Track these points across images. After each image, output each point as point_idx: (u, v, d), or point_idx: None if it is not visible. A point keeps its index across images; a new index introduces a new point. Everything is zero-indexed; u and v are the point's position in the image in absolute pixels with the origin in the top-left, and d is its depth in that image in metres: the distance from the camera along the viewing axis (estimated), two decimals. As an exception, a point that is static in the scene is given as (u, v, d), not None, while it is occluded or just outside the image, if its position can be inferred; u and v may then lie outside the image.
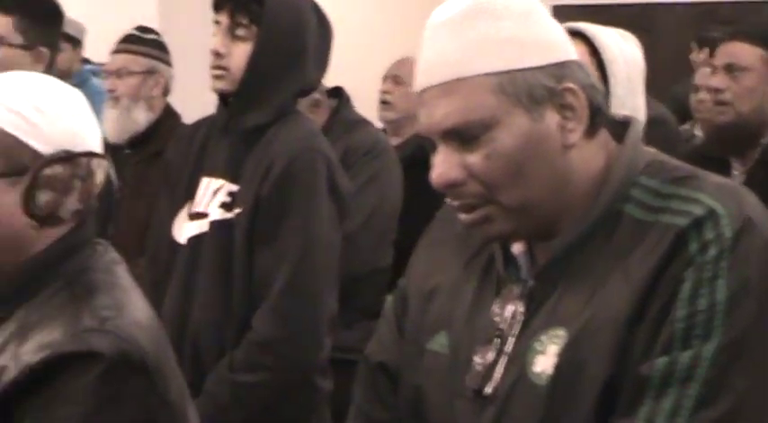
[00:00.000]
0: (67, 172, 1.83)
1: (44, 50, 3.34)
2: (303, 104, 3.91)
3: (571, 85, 1.68)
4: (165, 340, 1.87)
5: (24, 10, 3.32)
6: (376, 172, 3.93)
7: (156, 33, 4.22)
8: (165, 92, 4.18)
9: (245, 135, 2.96)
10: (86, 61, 6.00)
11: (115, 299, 1.81)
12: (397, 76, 4.92)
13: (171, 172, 3.13)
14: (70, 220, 1.85)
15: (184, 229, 2.99)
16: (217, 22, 2.98)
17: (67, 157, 1.83)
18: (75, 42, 5.33)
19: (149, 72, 4.13)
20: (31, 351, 1.73)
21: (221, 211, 2.93)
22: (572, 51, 1.72)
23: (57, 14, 3.46)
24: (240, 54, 2.94)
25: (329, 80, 4.16)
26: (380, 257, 3.86)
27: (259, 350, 2.83)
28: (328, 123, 4.01)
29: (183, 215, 3.01)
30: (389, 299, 3.54)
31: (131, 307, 1.83)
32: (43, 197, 1.81)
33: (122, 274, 1.89)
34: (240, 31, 2.94)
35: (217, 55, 2.96)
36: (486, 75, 1.66)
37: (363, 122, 4.14)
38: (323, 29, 3.06)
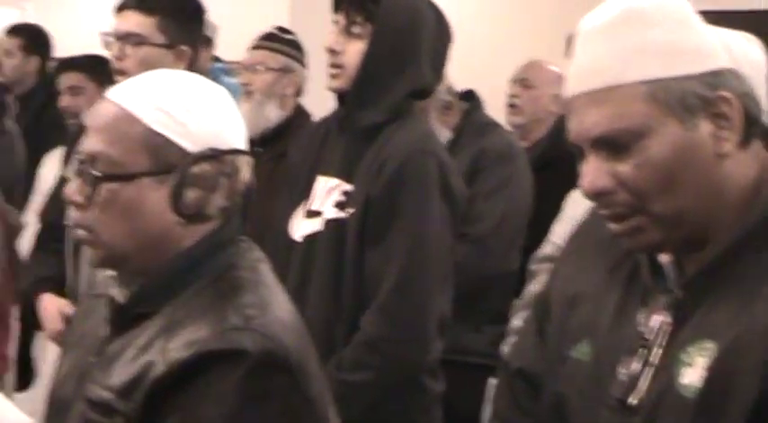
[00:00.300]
0: (214, 169, 1.83)
1: (185, 49, 3.38)
2: (434, 107, 3.93)
3: (726, 93, 1.66)
4: (308, 338, 1.87)
5: (167, 10, 3.36)
6: (508, 176, 3.92)
7: (294, 35, 4.26)
8: (298, 92, 4.22)
9: (361, 134, 2.96)
10: (217, 59, 6.08)
11: (260, 297, 1.82)
12: (526, 80, 4.89)
13: (291, 170, 3.15)
14: (216, 218, 1.86)
15: (300, 227, 3.01)
16: (336, 22, 3.00)
17: (214, 155, 1.83)
18: (207, 41, 5.40)
19: (285, 70, 4.18)
20: (178, 347, 1.74)
21: (335, 209, 2.94)
22: (726, 59, 1.69)
23: (198, 13, 3.50)
24: (355, 51, 2.95)
25: (459, 83, 4.16)
26: (510, 261, 3.84)
27: (366, 350, 2.83)
28: (460, 126, 4.01)
29: (299, 213, 3.03)
30: (517, 303, 3.54)
31: (275, 305, 1.83)
32: (191, 195, 1.82)
33: (266, 272, 1.89)
34: (355, 29, 2.95)
35: (332, 52, 2.98)
36: (639, 83, 1.64)
37: (495, 126, 4.14)
38: (441, 29, 3.04)
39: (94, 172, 1.83)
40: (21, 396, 3.93)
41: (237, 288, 1.82)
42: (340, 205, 2.93)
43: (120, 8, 3.38)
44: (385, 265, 2.85)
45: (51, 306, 3.45)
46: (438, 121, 3.94)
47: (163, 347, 1.76)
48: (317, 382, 1.83)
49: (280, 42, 4.23)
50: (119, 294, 1.89)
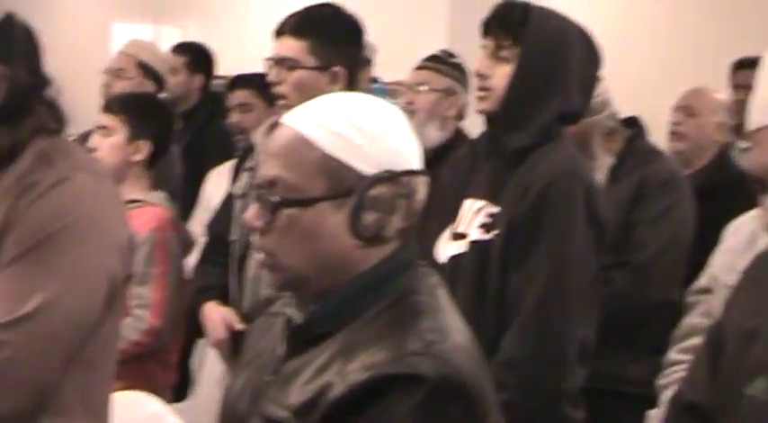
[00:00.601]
0: (391, 191, 1.84)
1: (339, 70, 3.41)
2: (597, 132, 3.91)
3: None
4: (484, 366, 1.87)
5: (318, 33, 3.41)
6: (671, 204, 3.87)
7: (459, 58, 4.28)
8: (460, 116, 4.23)
9: (508, 157, 2.96)
10: (374, 80, 6.13)
11: (439, 323, 1.82)
12: (690, 107, 4.83)
13: (441, 192, 3.16)
14: (394, 240, 1.87)
15: (446, 249, 3.01)
16: (484, 47, 3.01)
17: (390, 177, 1.84)
18: (366, 62, 5.46)
19: (448, 92, 4.20)
20: (356, 370, 1.75)
21: (480, 231, 2.93)
22: None
23: (353, 35, 3.53)
24: (502, 75, 2.95)
25: (623, 109, 4.13)
26: (671, 290, 3.78)
27: (504, 369, 2.81)
28: (623, 153, 3.97)
29: (446, 235, 3.03)
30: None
31: (453, 331, 1.83)
32: (369, 218, 1.83)
33: (443, 297, 1.90)
34: (504, 53, 2.96)
35: (480, 76, 2.99)
36: None
37: (659, 153, 4.09)
38: (590, 53, 3.03)
39: (273, 198, 1.85)
40: (179, 406, 4.00)
41: (417, 313, 1.82)
42: (485, 227, 2.93)
43: (278, 33, 3.45)
44: (527, 287, 2.84)
45: (215, 315, 3.51)
46: (601, 147, 3.92)
47: (341, 369, 1.77)
48: (493, 410, 1.82)
49: (444, 64, 4.26)
50: (296, 315, 1.91)
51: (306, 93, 3.32)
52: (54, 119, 2.36)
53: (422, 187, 1.89)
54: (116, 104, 3.82)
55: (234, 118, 5.12)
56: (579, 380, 2.89)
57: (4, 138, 2.29)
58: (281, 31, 3.44)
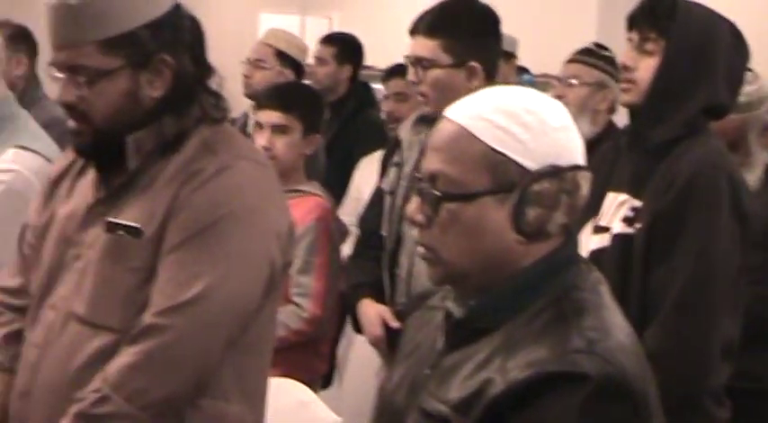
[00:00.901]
0: (554, 187, 1.82)
1: (476, 65, 3.42)
2: (755, 127, 3.83)
3: None
4: (648, 366, 1.84)
5: (450, 30, 3.42)
6: None
7: (611, 52, 4.25)
8: (611, 109, 4.21)
9: (652, 150, 2.93)
10: (525, 71, 6.10)
11: (602, 320, 1.80)
12: None
13: None
14: (557, 236, 1.85)
15: (588, 243, 2.98)
16: (630, 40, 2.99)
17: (554, 172, 1.82)
18: (509, 55, 5.44)
19: (599, 85, 4.19)
20: (518, 367, 1.74)
21: (623, 225, 2.92)
22: None
23: (487, 28, 3.51)
24: (647, 68, 2.93)
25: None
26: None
27: None
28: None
29: (588, 229, 3.01)
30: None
31: (617, 329, 1.81)
32: (531, 213, 1.81)
33: (606, 294, 1.87)
34: (649, 46, 2.94)
35: (625, 68, 2.98)
36: None
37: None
38: (737, 47, 2.99)
39: (435, 191, 1.84)
40: (324, 393, 4.04)
41: (580, 310, 1.80)
42: (628, 221, 2.91)
43: (412, 32, 3.49)
44: (670, 282, 2.82)
45: (371, 311, 3.54)
46: (757, 143, 3.84)
47: (502, 366, 1.76)
48: (656, 413, 1.80)
49: (596, 57, 4.24)
50: (456, 309, 1.90)
51: (444, 90, 3.36)
52: (217, 108, 2.40)
53: (585, 183, 1.86)
54: (286, 101, 3.80)
55: (388, 106, 5.15)
56: (723, 377, 2.86)
57: (170, 126, 2.34)
58: (414, 31, 3.49)
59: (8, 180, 2.77)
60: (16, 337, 2.46)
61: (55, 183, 2.50)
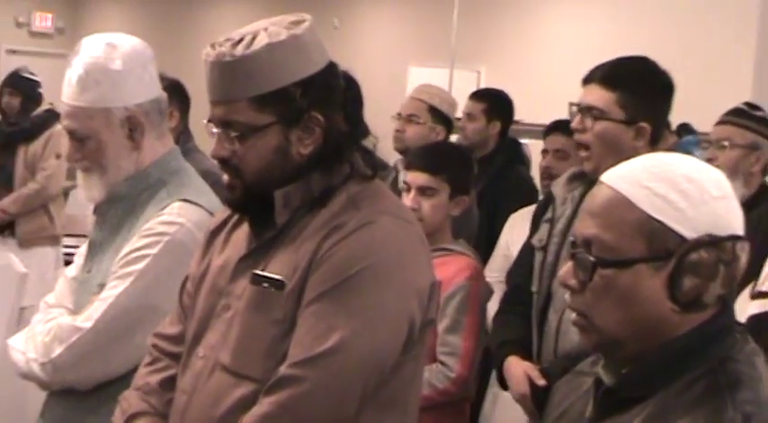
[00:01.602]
0: (712, 257, 1.79)
1: (645, 126, 3.36)
2: None
3: None
4: None
5: (629, 85, 3.36)
6: None
7: (764, 111, 4.17)
8: (765, 171, 4.13)
9: None
10: (689, 131, 6.03)
11: (759, 394, 1.77)
12: None
13: None
14: (713, 306, 1.82)
15: (745, 308, 2.93)
16: None
17: (712, 242, 1.80)
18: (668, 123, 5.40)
19: (752, 147, 4.10)
20: None
21: None
22: None
23: (664, 90, 3.46)
24: None
25: None
26: None
27: None
28: None
29: (745, 293, 2.96)
30: None
31: None
32: (688, 282, 1.79)
33: (762, 366, 1.84)
34: None
35: None
36: None
37: None
38: None
39: (590, 257, 1.83)
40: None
41: (736, 382, 1.77)
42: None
43: (586, 80, 3.42)
44: None
45: (518, 368, 3.50)
46: None
47: None
48: None
49: (748, 118, 4.15)
50: (606, 376, 1.88)
51: (609, 145, 3.30)
52: (368, 166, 2.42)
53: (743, 254, 1.84)
54: (435, 163, 3.81)
55: (546, 162, 5.13)
56: None
57: (318, 182, 2.37)
58: (590, 79, 3.41)
59: (173, 232, 2.84)
60: (171, 383, 2.51)
61: (213, 234, 2.55)
